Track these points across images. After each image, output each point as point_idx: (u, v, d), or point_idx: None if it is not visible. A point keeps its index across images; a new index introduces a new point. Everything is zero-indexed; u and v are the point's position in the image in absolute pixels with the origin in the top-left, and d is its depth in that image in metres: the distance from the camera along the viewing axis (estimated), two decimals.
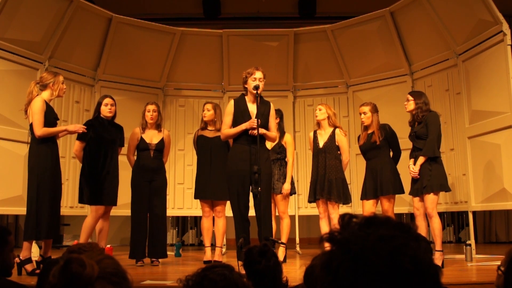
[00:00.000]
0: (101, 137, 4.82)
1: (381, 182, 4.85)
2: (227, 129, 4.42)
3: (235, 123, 4.37)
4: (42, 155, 4.24)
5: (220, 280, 1.40)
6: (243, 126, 4.26)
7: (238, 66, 6.64)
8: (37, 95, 4.32)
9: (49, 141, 4.31)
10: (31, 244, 4.22)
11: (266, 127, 4.38)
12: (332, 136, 5.11)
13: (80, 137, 4.80)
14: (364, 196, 4.99)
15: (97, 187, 4.73)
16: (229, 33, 7.17)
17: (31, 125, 4.27)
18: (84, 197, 4.76)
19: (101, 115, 4.90)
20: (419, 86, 6.50)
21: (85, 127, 4.64)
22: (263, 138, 4.37)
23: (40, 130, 4.22)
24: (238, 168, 4.24)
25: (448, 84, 6.21)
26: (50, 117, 4.35)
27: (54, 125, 4.40)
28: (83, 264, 1.07)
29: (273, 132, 4.47)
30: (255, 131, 4.17)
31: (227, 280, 1.41)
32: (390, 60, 6.79)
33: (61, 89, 4.45)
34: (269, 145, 4.89)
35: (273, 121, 4.47)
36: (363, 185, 5.06)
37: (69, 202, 6.23)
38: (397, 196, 5.05)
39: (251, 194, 4.29)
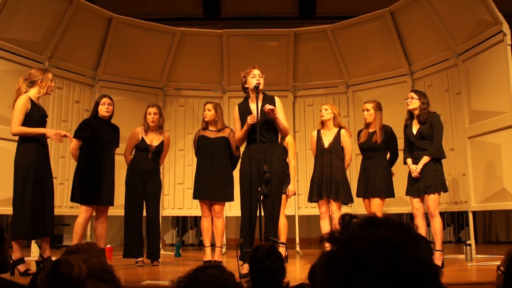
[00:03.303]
0: (98, 137, 4.83)
1: (373, 184, 4.86)
2: (237, 134, 4.47)
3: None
4: (27, 154, 4.20)
5: (210, 282, 1.40)
6: (245, 127, 4.26)
7: (238, 66, 6.63)
8: (25, 91, 4.29)
9: (34, 140, 4.25)
10: (20, 245, 4.19)
11: (272, 122, 4.29)
12: (338, 137, 5.10)
13: (78, 135, 4.81)
14: (362, 194, 5.02)
15: (91, 187, 4.72)
16: (229, 33, 7.17)
17: None
18: (77, 196, 4.75)
19: (99, 115, 4.92)
20: (419, 86, 6.50)
21: (64, 134, 4.40)
22: (275, 135, 4.37)
23: (15, 128, 4.19)
24: (249, 168, 4.24)
25: (448, 84, 6.21)
26: (37, 115, 4.29)
27: (42, 122, 4.36)
28: (71, 264, 1.08)
29: (284, 122, 4.34)
30: (271, 110, 4.13)
31: (218, 281, 1.42)
32: (390, 60, 6.78)
33: (49, 86, 4.41)
34: None
35: (281, 113, 4.34)
36: (358, 184, 5.10)
37: (69, 202, 6.21)
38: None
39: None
